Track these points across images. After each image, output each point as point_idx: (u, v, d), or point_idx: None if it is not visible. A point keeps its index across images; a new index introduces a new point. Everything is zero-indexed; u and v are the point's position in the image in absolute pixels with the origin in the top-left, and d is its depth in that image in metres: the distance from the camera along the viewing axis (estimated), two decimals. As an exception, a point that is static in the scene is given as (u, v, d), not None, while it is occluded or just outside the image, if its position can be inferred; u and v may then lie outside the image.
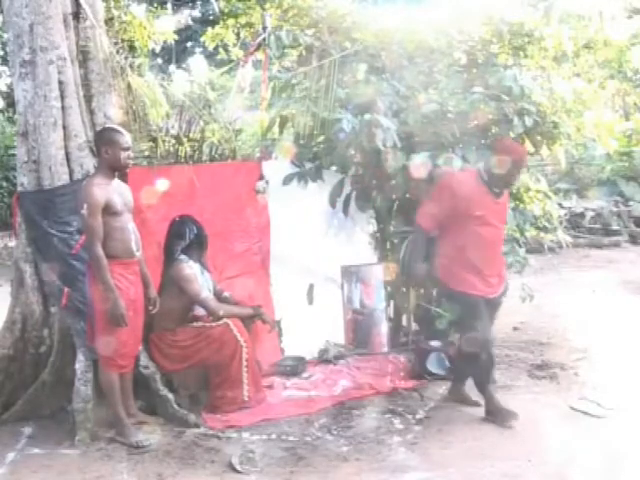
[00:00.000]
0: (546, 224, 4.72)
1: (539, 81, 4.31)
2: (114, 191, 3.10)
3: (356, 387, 3.89)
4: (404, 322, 4.81)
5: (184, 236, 3.60)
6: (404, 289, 4.59)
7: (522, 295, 4.43)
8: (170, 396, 3.43)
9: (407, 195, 4.43)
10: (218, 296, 3.76)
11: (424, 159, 4.07)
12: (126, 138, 3.11)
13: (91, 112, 3.56)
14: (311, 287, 4.51)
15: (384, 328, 4.60)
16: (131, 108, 3.71)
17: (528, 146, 4.39)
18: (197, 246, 3.67)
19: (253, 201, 4.35)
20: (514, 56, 4.54)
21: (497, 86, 4.15)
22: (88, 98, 3.56)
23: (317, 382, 4.01)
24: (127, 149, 3.10)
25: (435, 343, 4.18)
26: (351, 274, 4.61)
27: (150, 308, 3.37)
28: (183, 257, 3.61)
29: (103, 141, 3.11)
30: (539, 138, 4.36)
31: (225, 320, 3.56)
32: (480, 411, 3.49)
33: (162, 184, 3.85)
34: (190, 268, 3.59)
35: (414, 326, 4.67)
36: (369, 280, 4.59)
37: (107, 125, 3.38)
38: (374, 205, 4.61)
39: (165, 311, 3.47)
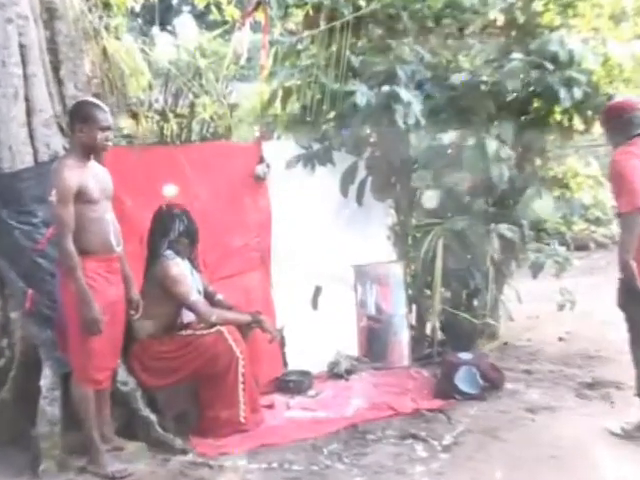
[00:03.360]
0: (598, 215, 4.72)
1: (591, 45, 4.31)
2: (89, 175, 3.06)
3: (371, 407, 3.86)
4: (428, 330, 4.82)
5: (171, 228, 3.58)
6: (428, 291, 4.64)
7: (560, 301, 4.50)
8: (153, 417, 3.39)
9: (432, 182, 4.42)
10: (210, 299, 3.74)
11: (452, 139, 4.14)
12: (106, 115, 3.07)
13: (59, 82, 3.50)
14: (318, 289, 4.51)
15: (404, 337, 4.61)
16: (107, 77, 3.69)
17: (577, 123, 4.39)
18: (186, 240, 3.64)
19: (251, 188, 4.35)
20: (561, 15, 4.52)
21: (540, 51, 4.17)
22: (55, 65, 3.50)
23: (326, 401, 3.99)
24: (106, 128, 3.06)
25: (465, 355, 4.15)
26: (366, 274, 4.62)
27: (132, 313, 3.33)
28: (169, 253, 3.57)
29: (78, 117, 3.06)
30: (590, 113, 4.34)
31: (218, 327, 3.52)
32: (516, 436, 3.46)
33: (145, 168, 3.86)
34: (178, 266, 3.56)
35: (440, 335, 4.68)
36: (387, 281, 4.61)
37: (81, 98, 3.33)
38: (393, 193, 4.69)
39: (148, 317, 3.45)
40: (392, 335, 4.58)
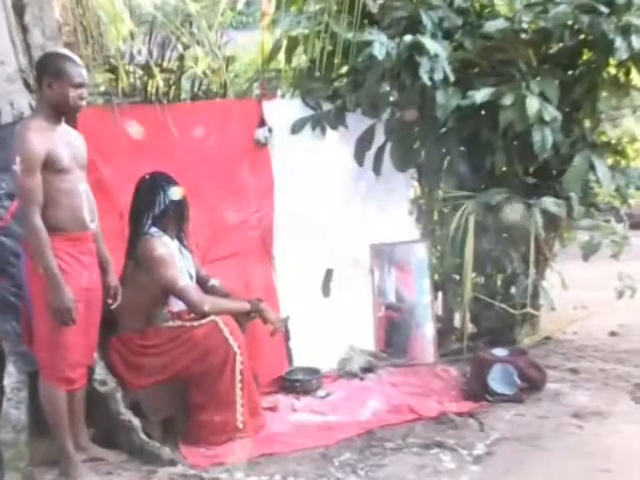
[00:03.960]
0: (659, 187, 4.72)
1: (655, -17, 4.26)
2: (60, 140, 3.06)
3: (390, 410, 3.86)
4: (457, 322, 4.84)
5: (157, 201, 3.56)
6: (457, 276, 4.61)
7: (619, 287, 4.45)
8: (136, 422, 3.37)
9: (462, 148, 4.50)
10: (203, 285, 3.74)
11: (486, 97, 4.08)
12: (80, 70, 3.07)
13: (23, 29, 3.45)
14: (329, 273, 4.52)
15: (429, 330, 4.61)
16: (81, 25, 3.66)
17: (635, 78, 4.36)
18: (175, 215, 3.61)
19: (251, 155, 4.34)
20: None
21: (593, -8, 4.12)
22: (19, 10, 3.44)
23: (337, 403, 3.99)
24: (80, 85, 3.05)
25: (500, 351, 4.14)
26: (384, 256, 4.63)
27: (109, 301, 3.33)
28: (155, 231, 3.54)
29: (47, 71, 3.04)
30: (652, 67, 4.33)
31: (212, 318, 3.48)
32: (561, 445, 3.44)
33: (126, 131, 3.89)
34: (165, 246, 3.52)
35: (471, 327, 4.69)
36: (409, 264, 4.62)
37: (50, 49, 3.31)
38: (417, 161, 4.68)
39: (130, 305, 3.44)
40: (415, 327, 4.58)
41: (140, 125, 3.98)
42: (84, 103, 3.10)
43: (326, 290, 4.51)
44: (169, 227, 3.60)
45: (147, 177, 3.62)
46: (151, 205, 3.56)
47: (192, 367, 3.48)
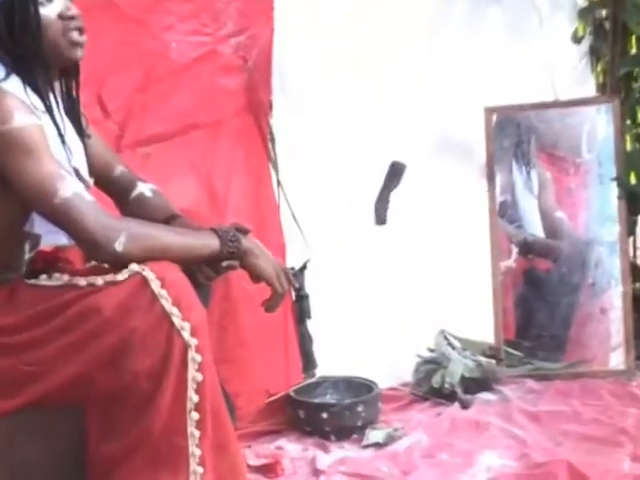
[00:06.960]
0: None
1: None
2: None
3: (530, 473, 3.74)
4: None
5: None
6: None
7: None
8: None
9: None
10: (120, 196, 3.61)
11: None
12: None
13: None
14: (396, 172, 4.62)
15: (617, 301, 4.72)
16: None
17: None
18: (36, 38, 3.38)
19: None
20: None
21: None
22: None
23: (413, 456, 3.93)
24: None
25: None
26: (517, 134, 4.85)
27: None
28: (1, 76, 3.33)
29: None
30: None
31: (136, 269, 3.25)
32: None
33: None
34: (26, 110, 3.23)
35: None
36: (575, 153, 4.82)
37: None
38: None
39: None
40: (585, 292, 4.72)
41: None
42: None
43: (382, 211, 4.54)
44: (35, 67, 3.27)
45: None
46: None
47: (93, 377, 3.22)
